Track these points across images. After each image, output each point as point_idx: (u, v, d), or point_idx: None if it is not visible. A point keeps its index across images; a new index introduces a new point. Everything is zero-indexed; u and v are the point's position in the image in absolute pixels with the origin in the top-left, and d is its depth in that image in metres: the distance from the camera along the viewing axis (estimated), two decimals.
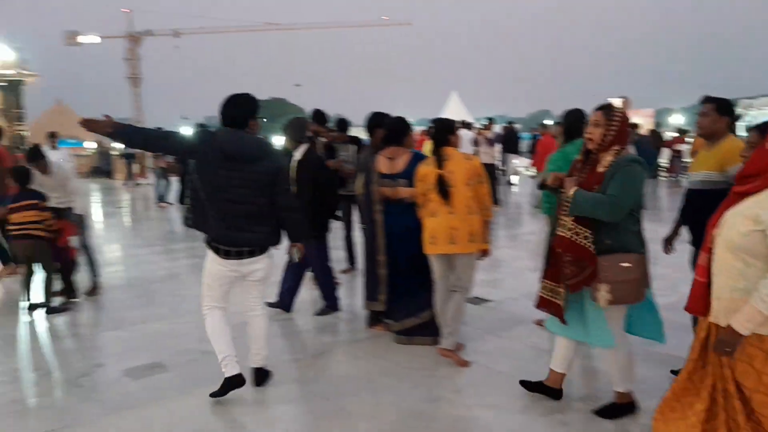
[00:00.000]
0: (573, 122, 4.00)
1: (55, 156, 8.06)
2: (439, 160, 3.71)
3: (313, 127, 6.02)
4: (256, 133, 3.32)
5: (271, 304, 5.05)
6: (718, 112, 3.32)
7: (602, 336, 2.98)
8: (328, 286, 5.08)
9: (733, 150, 3.15)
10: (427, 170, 3.78)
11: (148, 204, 14.52)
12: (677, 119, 37.60)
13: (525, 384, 3.38)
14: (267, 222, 3.32)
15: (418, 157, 4.04)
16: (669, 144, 16.10)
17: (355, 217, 6.54)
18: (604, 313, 2.94)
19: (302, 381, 3.73)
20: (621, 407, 3.11)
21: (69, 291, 5.52)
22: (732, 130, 3.41)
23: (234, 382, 3.36)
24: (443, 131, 3.79)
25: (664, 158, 16.24)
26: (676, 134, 16.91)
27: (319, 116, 6.12)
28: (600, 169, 2.87)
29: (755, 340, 2.11)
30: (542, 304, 3.12)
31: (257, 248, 3.32)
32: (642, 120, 19.01)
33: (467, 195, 3.69)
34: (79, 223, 5.62)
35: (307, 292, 5.73)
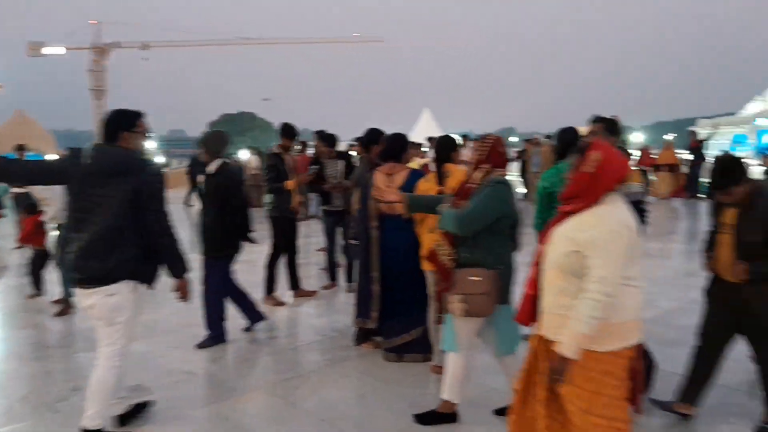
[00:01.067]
0: (568, 140, 4.03)
1: None
2: (440, 176, 3.69)
3: (281, 141, 5.82)
4: (133, 147, 2.98)
5: (248, 329, 4.86)
6: (608, 132, 3.36)
7: (448, 341, 3.14)
8: (215, 311, 4.61)
9: None
10: (426, 186, 3.76)
11: None
12: (638, 137, 38.73)
13: (421, 418, 3.28)
14: (127, 249, 2.87)
15: (416, 174, 4.02)
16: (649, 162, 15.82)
17: (338, 233, 6.49)
18: (454, 322, 3.07)
19: (293, 402, 3.62)
20: (441, 415, 3.21)
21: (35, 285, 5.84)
22: (623, 149, 3.50)
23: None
24: (445, 148, 3.79)
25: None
26: (642, 151, 17.03)
27: (287, 130, 5.89)
28: (469, 184, 3.10)
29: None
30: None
31: (95, 279, 2.87)
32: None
33: None
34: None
35: (288, 310, 5.64)
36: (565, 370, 2.18)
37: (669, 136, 17.57)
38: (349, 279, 6.04)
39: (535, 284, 2.41)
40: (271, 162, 5.71)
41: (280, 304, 5.73)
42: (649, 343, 4.06)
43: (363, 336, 4.47)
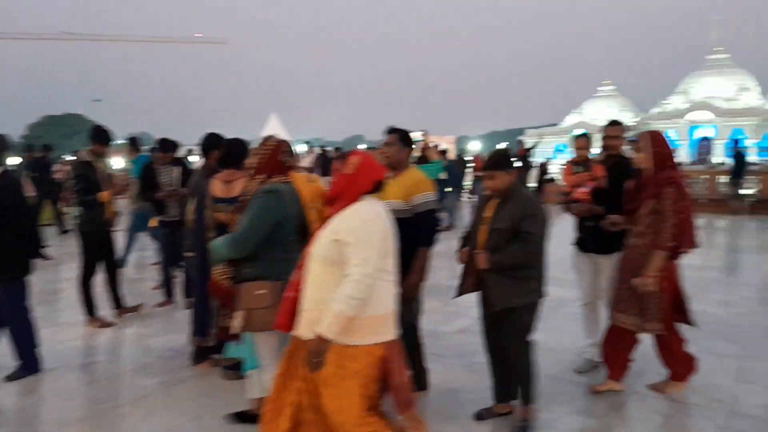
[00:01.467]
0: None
1: None
2: None
3: (92, 147, 5.20)
4: None
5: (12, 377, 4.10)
6: (402, 143, 3.42)
7: (249, 359, 3.16)
8: (23, 340, 4.17)
9: (417, 180, 3.37)
10: None
11: None
12: (475, 145, 41.79)
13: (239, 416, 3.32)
14: None
15: None
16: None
17: (169, 244, 6.06)
18: (254, 339, 3.04)
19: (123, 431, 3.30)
20: (255, 416, 3.13)
21: None
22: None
23: None
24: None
25: (467, 181, 17.61)
26: (475, 159, 18.28)
27: (99, 134, 5.25)
28: (245, 195, 3.04)
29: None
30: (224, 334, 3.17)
31: None
32: (447, 146, 20.53)
33: (311, 218, 3.59)
34: None
35: (115, 331, 5.18)
36: (324, 352, 2.26)
37: (501, 145, 19.11)
38: (187, 294, 5.68)
39: (297, 287, 2.43)
40: (80, 171, 5.06)
41: (107, 325, 5.24)
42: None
43: (201, 355, 4.21)
